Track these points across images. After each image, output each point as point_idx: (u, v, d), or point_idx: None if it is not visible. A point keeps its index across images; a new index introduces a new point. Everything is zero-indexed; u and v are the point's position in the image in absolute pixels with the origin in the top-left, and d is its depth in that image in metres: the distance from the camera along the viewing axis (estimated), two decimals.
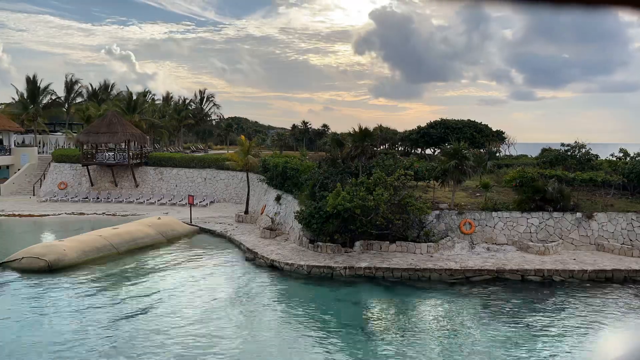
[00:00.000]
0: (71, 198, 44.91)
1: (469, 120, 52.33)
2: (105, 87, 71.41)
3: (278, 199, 32.93)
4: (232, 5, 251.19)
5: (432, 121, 52.54)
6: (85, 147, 46.66)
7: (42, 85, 61.26)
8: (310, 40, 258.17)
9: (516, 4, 1.53)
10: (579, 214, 26.61)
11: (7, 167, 51.55)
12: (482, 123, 51.80)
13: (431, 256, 24.44)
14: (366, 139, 30.57)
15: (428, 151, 54.33)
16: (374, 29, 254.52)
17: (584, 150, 36.65)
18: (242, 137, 40.09)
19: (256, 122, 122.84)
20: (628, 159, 34.90)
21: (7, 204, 41.74)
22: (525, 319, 18.22)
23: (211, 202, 43.76)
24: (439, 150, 49.52)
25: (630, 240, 26.01)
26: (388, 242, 25.29)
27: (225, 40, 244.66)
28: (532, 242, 25.84)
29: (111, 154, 47.57)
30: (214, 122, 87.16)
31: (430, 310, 19.69)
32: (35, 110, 58.79)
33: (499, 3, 1.53)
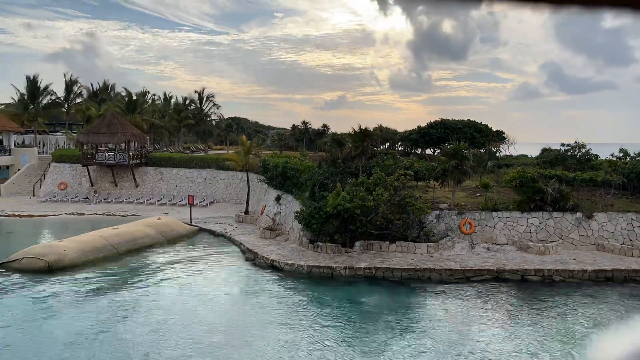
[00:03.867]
0: (71, 198, 44.89)
1: (469, 120, 52.48)
2: (106, 87, 71.35)
3: (278, 199, 32.92)
4: (230, 18, 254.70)
5: (432, 121, 52.67)
6: (85, 147, 46.63)
7: (42, 86, 61.30)
8: (310, 43, 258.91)
9: (517, 3, 1.53)
10: (579, 214, 26.61)
11: (7, 167, 51.53)
12: (482, 123, 51.92)
13: (431, 256, 24.44)
14: (366, 139, 30.60)
15: (428, 151, 54.41)
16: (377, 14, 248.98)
17: (584, 150, 36.71)
18: (244, 137, 40.17)
19: (256, 122, 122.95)
20: (628, 159, 34.93)
21: (7, 204, 41.75)
22: (525, 319, 18.23)
23: (211, 202, 43.75)
24: (439, 150, 49.58)
25: (630, 240, 26.01)
26: (388, 242, 25.28)
27: (226, 42, 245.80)
28: (532, 242, 25.83)
29: (111, 154, 47.54)
30: (214, 122, 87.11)
31: (430, 310, 19.67)
32: (35, 110, 58.80)
33: (499, 3, 1.53)
